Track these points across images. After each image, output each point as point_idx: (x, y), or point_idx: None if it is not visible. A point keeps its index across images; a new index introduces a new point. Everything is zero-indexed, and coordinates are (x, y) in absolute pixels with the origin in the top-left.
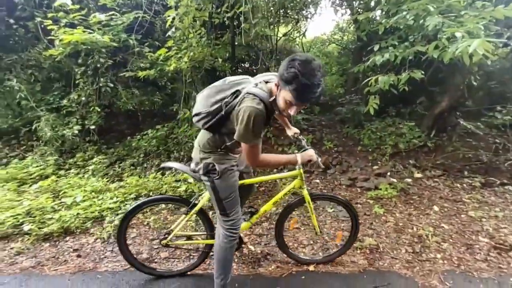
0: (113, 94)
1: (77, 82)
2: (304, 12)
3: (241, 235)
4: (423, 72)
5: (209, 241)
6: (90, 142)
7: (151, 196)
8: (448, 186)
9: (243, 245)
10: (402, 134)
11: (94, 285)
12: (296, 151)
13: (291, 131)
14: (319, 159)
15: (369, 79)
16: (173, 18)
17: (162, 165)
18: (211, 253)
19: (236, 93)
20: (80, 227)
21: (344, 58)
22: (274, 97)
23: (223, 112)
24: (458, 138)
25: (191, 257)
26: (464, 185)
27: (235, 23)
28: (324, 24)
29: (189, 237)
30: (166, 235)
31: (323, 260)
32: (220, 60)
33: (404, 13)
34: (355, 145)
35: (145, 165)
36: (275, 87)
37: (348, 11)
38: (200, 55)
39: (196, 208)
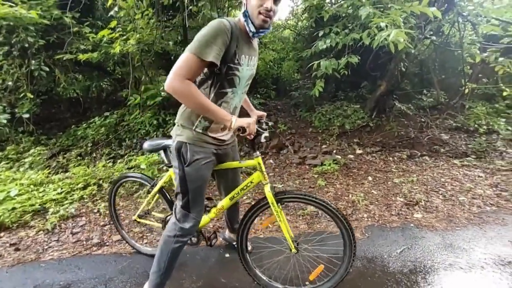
0: (50, 79)
1: None
2: None
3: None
4: (359, 58)
5: None
6: (25, 133)
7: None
8: (383, 159)
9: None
10: (348, 116)
11: (37, 273)
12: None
13: (255, 113)
14: (264, 135)
15: (312, 63)
16: None
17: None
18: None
19: None
20: (18, 222)
21: (300, 44)
22: (243, 9)
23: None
24: (394, 118)
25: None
26: (395, 158)
27: (185, 5)
28: (280, 10)
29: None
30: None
31: None
32: (171, 43)
33: (342, 1)
34: (307, 127)
35: (94, 155)
36: (243, 3)
37: None
38: (150, 38)
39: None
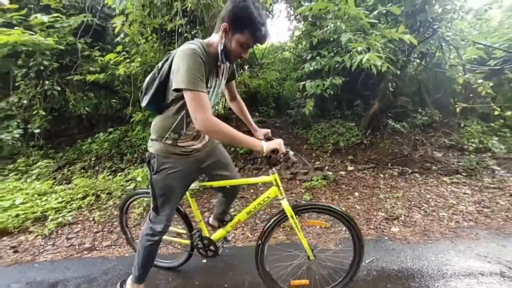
0: (61, 97)
1: (17, 84)
2: None
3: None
4: (343, 79)
5: (186, 241)
6: (35, 147)
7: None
8: (373, 176)
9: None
10: (343, 133)
11: (31, 272)
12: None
13: (260, 132)
14: (290, 152)
15: (298, 84)
16: (122, 24)
17: None
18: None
19: (168, 55)
20: (19, 227)
21: (300, 65)
22: (220, 44)
23: (157, 76)
24: (388, 136)
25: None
26: (386, 175)
27: (178, 33)
28: (281, 32)
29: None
30: None
31: None
32: None
33: (326, 28)
34: (302, 144)
35: (96, 168)
36: (220, 35)
37: (302, 22)
38: (153, 60)
39: None
